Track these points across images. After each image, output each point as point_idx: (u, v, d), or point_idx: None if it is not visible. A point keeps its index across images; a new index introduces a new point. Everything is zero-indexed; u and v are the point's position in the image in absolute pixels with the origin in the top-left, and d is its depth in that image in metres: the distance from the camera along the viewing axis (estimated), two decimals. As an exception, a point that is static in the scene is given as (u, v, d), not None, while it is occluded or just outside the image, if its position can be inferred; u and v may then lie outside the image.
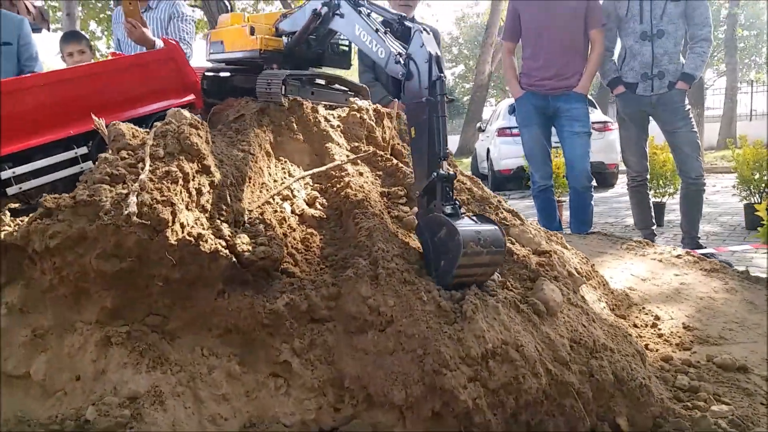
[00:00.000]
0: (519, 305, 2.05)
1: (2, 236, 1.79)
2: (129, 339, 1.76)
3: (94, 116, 2.09)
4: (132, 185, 1.76)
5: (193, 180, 1.93)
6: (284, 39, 3.02)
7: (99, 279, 1.74)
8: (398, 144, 3.07)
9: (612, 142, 10.33)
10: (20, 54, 4.68)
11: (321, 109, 2.94)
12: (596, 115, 10.69)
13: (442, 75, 2.19)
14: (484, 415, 1.77)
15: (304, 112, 2.85)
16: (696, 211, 5.29)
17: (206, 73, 2.95)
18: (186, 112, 2.13)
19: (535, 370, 1.89)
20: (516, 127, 10.99)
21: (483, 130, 13.98)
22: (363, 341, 1.89)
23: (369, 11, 2.55)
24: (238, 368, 1.82)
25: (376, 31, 2.44)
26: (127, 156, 1.91)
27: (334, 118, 2.97)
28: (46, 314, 1.80)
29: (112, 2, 12.55)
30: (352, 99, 3.11)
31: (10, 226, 1.91)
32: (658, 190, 6.99)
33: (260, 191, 2.37)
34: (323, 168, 2.57)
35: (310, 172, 2.56)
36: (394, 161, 2.80)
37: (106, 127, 2.03)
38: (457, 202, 2.10)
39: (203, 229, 1.86)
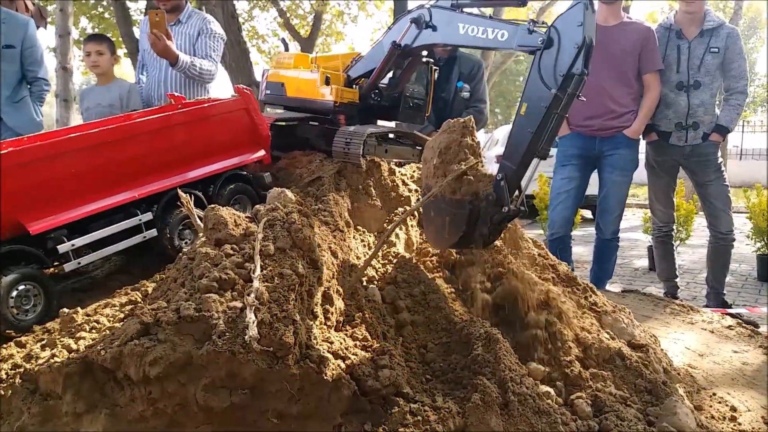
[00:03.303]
0: (658, 438, 1.82)
1: (81, 348, 1.46)
2: (231, 482, 1.45)
3: (181, 193, 1.77)
4: (247, 297, 1.46)
5: (305, 282, 1.64)
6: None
7: (202, 413, 1.43)
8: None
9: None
10: (24, 57, 4.34)
11: (397, 171, 2.67)
12: None
13: (585, 71, 1.97)
14: None
15: (382, 174, 2.57)
16: (723, 267, 5.16)
17: (275, 123, 2.63)
18: (290, 194, 1.83)
19: None
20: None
21: None
22: (494, 487, 1.62)
23: (469, 6, 2.33)
24: None
25: (489, 17, 2.22)
26: (232, 252, 1.61)
27: (409, 179, 2.70)
28: (133, 450, 1.47)
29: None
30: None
31: (86, 334, 1.57)
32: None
33: (350, 274, 2.09)
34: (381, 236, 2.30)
35: (379, 246, 2.27)
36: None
37: (194, 204, 1.71)
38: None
39: (319, 345, 1.57)
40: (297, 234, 1.69)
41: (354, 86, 2.77)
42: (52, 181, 1.90)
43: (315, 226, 1.93)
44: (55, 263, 1.97)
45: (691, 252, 7.84)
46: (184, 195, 1.76)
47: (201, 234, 1.75)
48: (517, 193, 2.10)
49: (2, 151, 1.80)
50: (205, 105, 2.27)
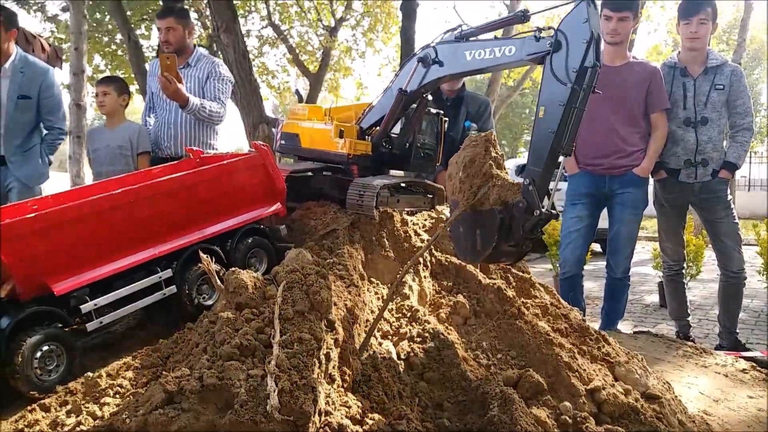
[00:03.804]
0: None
1: (105, 414, 1.49)
2: None
3: (202, 255, 1.81)
4: (267, 365, 1.49)
5: (323, 345, 1.67)
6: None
7: (223, 480, 1.45)
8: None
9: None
10: (41, 106, 4.38)
11: (409, 221, 2.71)
12: None
13: (597, 64, 2.03)
14: None
15: (395, 225, 2.61)
16: (735, 306, 5.13)
17: (291, 175, 2.70)
18: (308, 254, 1.88)
19: None
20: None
21: None
22: None
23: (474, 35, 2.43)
24: None
25: (495, 38, 2.32)
26: (252, 317, 1.64)
27: (421, 229, 2.74)
28: None
29: (120, 38, 12.29)
30: (439, 208, 2.89)
31: (110, 399, 1.60)
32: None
33: (364, 330, 2.11)
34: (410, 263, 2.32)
35: (387, 299, 2.29)
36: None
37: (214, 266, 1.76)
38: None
39: (338, 410, 1.59)
40: (315, 296, 1.73)
41: (366, 137, 2.83)
42: (75, 241, 1.95)
43: (331, 282, 1.96)
44: (77, 321, 2.01)
45: (702, 287, 7.81)
46: (204, 257, 1.81)
47: (221, 296, 1.79)
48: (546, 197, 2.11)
49: (28, 216, 1.86)
50: (224, 162, 2.33)
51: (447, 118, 3.05)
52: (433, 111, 2.95)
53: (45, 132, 4.52)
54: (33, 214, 1.88)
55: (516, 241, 2.14)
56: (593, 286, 7.74)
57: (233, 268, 1.77)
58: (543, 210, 2.06)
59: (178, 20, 4.33)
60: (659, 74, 4.73)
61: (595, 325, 4.99)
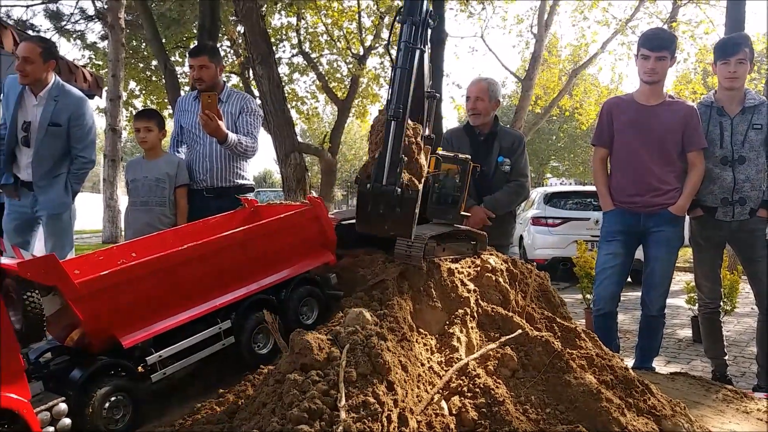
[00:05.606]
0: None
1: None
2: None
3: (267, 314, 1.88)
4: (337, 429, 1.54)
5: (385, 407, 1.72)
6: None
7: None
8: (530, 306, 2.87)
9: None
10: (70, 134, 4.47)
11: (455, 270, 2.75)
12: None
13: (409, 19, 2.09)
14: None
15: (442, 275, 2.66)
16: (774, 346, 5.05)
17: (342, 223, 2.77)
18: (368, 314, 1.93)
19: None
20: (552, 217, 11.00)
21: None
22: None
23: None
24: None
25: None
26: (318, 378, 1.70)
27: (467, 278, 2.78)
28: None
29: (155, 64, 12.64)
30: (484, 257, 2.93)
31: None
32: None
33: (417, 386, 2.16)
34: (475, 356, 2.36)
35: (461, 364, 2.33)
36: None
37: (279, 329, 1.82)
38: None
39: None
40: (377, 359, 1.78)
41: None
42: (143, 296, 2.03)
43: (389, 342, 2.00)
44: (141, 372, 2.08)
45: (737, 321, 7.68)
46: (270, 316, 1.87)
47: (284, 354, 1.85)
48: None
49: (102, 273, 1.95)
50: (282, 216, 2.41)
51: (476, 163, 3.08)
52: (461, 157, 3.00)
53: (74, 159, 4.59)
54: (106, 272, 1.97)
55: (369, 216, 2.13)
56: (624, 318, 7.67)
57: (298, 329, 1.84)
58: (376, 184, 2.02)
59: (211, 59, 4.45)
60: (696, 113, 4.73)
61: (629, 362, 4.97)
